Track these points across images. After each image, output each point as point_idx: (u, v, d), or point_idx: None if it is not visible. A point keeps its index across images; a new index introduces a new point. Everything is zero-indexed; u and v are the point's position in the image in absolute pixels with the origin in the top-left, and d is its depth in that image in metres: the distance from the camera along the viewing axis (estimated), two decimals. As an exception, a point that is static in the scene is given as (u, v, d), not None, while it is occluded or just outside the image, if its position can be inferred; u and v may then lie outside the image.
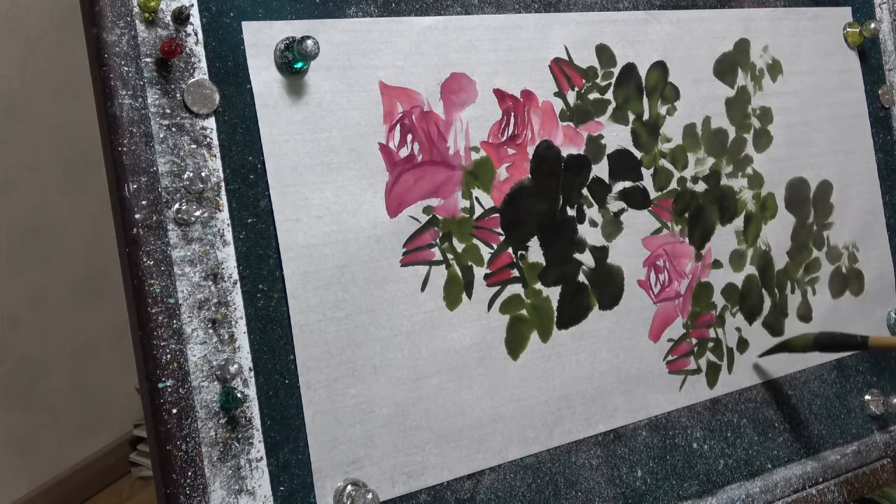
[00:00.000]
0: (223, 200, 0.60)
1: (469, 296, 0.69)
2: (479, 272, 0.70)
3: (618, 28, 0.78)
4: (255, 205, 0.61)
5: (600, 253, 0.76)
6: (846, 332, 0.77)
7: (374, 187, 0.66)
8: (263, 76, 0.62)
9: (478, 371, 0.69)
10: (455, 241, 0.69)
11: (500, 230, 0.71)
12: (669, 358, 0.80)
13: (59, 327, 1.62)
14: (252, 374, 0.60)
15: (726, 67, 0.85)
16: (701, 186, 0.82)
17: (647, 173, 0.79)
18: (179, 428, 0.57)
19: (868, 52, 0.95)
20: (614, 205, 0.77)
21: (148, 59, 0.57)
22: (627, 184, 0.78)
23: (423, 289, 0.67)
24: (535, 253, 0.73)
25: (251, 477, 0.59)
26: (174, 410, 0.56)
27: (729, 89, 0.85)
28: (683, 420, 0.80)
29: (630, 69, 0.79)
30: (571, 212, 0.75)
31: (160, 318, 0.56)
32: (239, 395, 0.58)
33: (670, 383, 0.79)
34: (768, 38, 0.88)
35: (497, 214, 0.71)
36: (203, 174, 0.59)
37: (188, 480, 0.57)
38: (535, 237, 0.73)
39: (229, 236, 0.60)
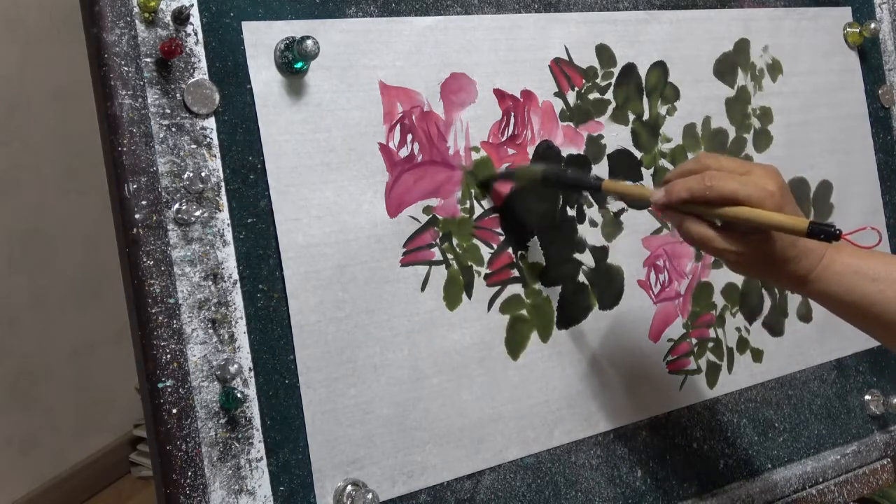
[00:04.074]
0: (223, 200, 0.60)
1: (469, 296, 0.69)
2: (480, 272, 0.70)
3: (618, 28, 0.78)
4: (255, 205, 0.61)
5: (600, 253, 0.76)
6: (579, 172, 0.72)
7: (374, 187, 0.66)
8: (263, 76, 0.62)
9: (478, 371, 0.69)
10: (455, 241, 0.69)
11: (500, 230, 0.71)
12: (669, 358, 0.80)
13: (59, 327, 1.62)
14: (252, 374, 0.60)
15: (726, 67, 0.85)
16: (701, 186, 0.82)
17: (647, 173, 0.79)
18: (179, 428, 0.56)
19: (868, 52, 0.95)
20: (614, 205, 0.77)
21: (148, 59, 0.57)
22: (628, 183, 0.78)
23: (423, 289, 0.67)
24: (535, 253, 0.73)
25: (251, 477, 0.59)
26: (174, 410, 0.56)
27: (729, 89, 0.85)
28: (683, 420, 0.80)
29: (630, 69, 0.79)
30: (571, 212, 0.75)
31: (160, 318, 0.56)
32: (239, 395, 0.58)
33: (670, 383, 0.79)
34: (768, 38, 0.88)
35: (497, 214, 0.71)
36: (203, 174, 0.59)
37: (188, 480, 0.57)
38: (535, 237, 0.73)
39: (229, 236, 0.60)
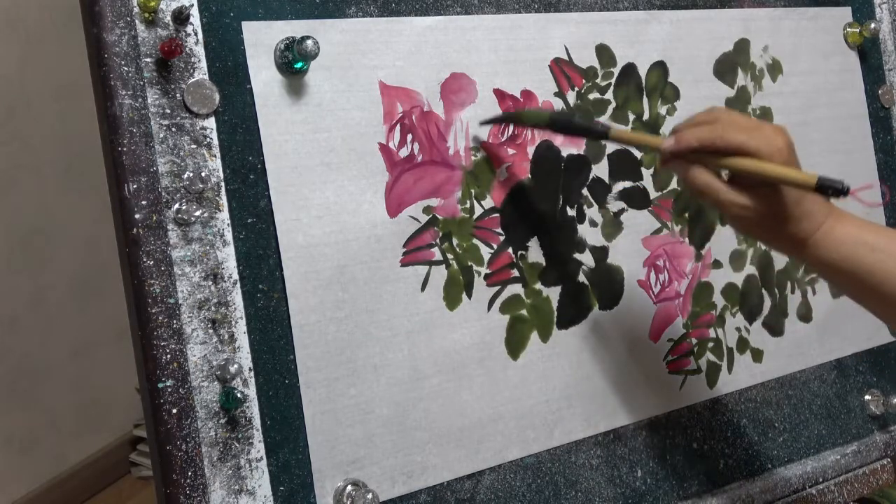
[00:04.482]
0: (223, 200, 0.60)
1: (469, 296, 0.69)
2: (480, 272, 0.70)
3: (618, 28, 0.78)
4: (255, 205, 0.61)
5: (600, 253, 0.76)
6: (587, 119, 0.71)
7: (374, 187, 0.66)
8: (263, 76, 0.62)
9: (478, 371, 0.69)
10: (455, 241, 0.69)
11: (500, 230, 0.71)
12: (669, 358, 0.80)
13: (59, 327, 1.62)
14: (252, 374, 0.60)
15: (726, 67, 0.85)
16: (701, 186, 0.82)
17: (647, 173, 0.79)
18: (179, 428, 0.56)
19: (868, 52, 0.95)
20: (614, 205, 0.77)
21: (148, 59, 0.57)
22: (627, 184, 0.78)
23: (423, 289, 0.67)
24: (535, 253, 0.73)
25: (251, 477, 0.59)
26: (174, 410, 0.56)
27: (729, 89, 0.85)
28: (683, 420, 0.80)
29: (630, 69, 0.79)
30: (571, 212, 0.75)
31: (160, 318, 0.56)
32: (239, 395, 0.58)
33: (670, 383, 0.79)
34: (768, 38, 0.88)
35: (497, 214, 0.71)
36: (203, 174, 0.59)
37: (188, 480, 0.57)
38: (535, 237, 0.73)
39: (229, 236, 0.60)
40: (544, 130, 0.72)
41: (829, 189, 0.54)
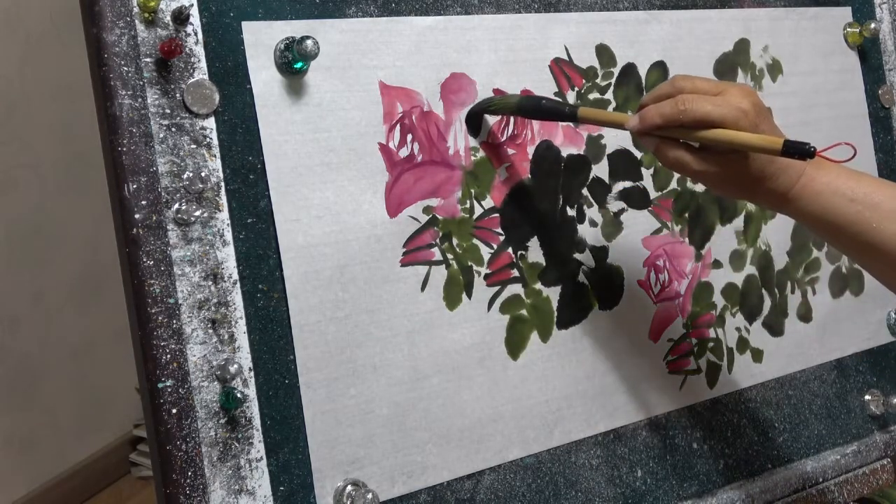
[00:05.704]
0: (223, 200, 0.60)
1: (469, 296, 0.69)
2: (480, 272, 0.70)
3: (618, 28, 0.78)
4: (255, 205, 0.61)
5: (600, 253, 0.76)
6: (555, 100, 0.71)
7: (374, 187, 0.66)
8: (263, 76, 0.62)
9: (478, 371, 0.69)
10: (455, 241, 0.69)
11: (500, 230, 0.71)
12: (669, 358, 0.80)
13: (59, 327, 1.62)
14: (252, 374, 0.60)
15: (726, 67, 0.85)
16: (701, 186, 0.82)
17: (647, 173, 0.79)
18: (179, 428, 0.57)
19: (868, 52, 0.95)
20: (614, 205, 0.77)
21: (148, 59, 0.57)
22: (627, 184, 0.78)
23: (423, 289, 0.67)
24: (535, 253, 0.73)
25: (251, 477, 0.59)
26: (174, 410, 0.56)
27: (729, 89, 0.85)
28: (683, 420, 0.80)
29: (630, 69, 0.79)
30: (571, 212, 0.75)
31: (160, 318, 0.56)
32: (239, 395, 0.58)
33: (670, 383, 0.79)
34: (768, 38, 0.88)
35: (497, 214, 0.71)
36: (203, 174, 0.59)
37: (188, 480, 0.57)
38: (535, 237, 0.73)
39: (229, 236, 0.60)
40: (514, 116, 0.72)
41: (795, 152, 0.54)
